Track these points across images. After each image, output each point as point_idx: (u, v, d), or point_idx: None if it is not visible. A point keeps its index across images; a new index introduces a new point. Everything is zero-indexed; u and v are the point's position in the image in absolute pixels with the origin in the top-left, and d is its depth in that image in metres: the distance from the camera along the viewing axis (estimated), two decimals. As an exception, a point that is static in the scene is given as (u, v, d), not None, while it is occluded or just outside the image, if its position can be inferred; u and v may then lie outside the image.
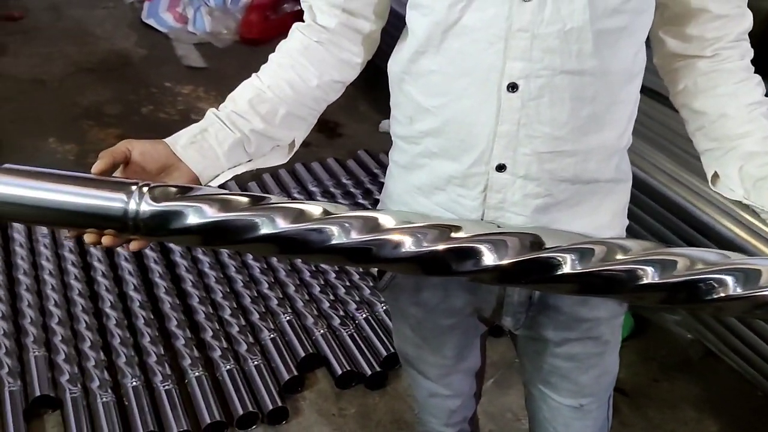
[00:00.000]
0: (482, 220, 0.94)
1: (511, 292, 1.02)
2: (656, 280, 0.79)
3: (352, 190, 2.80)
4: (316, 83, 0.99)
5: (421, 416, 1.36)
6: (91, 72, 3.74)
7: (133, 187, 0.83)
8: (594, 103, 0.87)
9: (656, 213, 2.00)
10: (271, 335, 2.10)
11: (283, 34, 1.04)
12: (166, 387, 1.93)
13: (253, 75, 1.00)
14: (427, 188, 0.98)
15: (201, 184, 0.92)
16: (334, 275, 2.36)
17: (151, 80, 3.67)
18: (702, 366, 2.08)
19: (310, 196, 2.74)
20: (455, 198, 0.95)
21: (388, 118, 1.04)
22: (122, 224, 0.83)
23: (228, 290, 2.29)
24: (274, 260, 2.41)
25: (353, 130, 3.20)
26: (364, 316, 2.18)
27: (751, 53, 0.93)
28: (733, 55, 0.92)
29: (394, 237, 0.82)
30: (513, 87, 0.85)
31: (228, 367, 1.99)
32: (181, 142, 0.93)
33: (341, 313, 2.20)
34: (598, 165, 0.93)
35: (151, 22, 4.35)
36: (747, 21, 0.92)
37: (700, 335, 2.08)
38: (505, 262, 0.81)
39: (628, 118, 0.94)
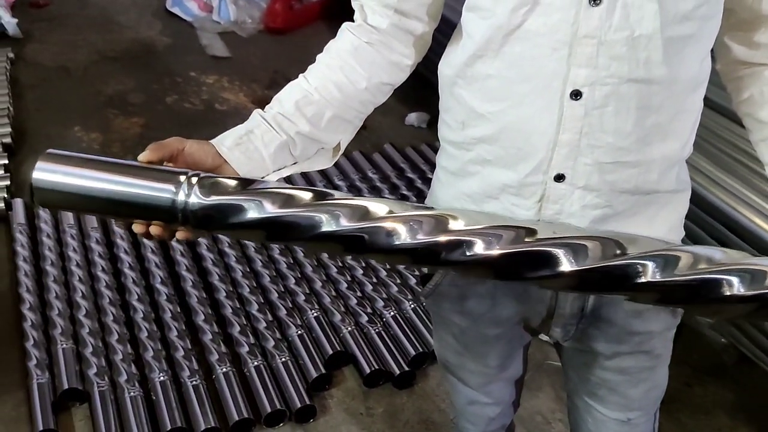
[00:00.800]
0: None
1: (564, 303, 0.99)
2: (742, 291, 0.75)
3: (378, 184, 2.77)
4: (364, 85, 0.96)
5: (458, 422, 1.33)
6: (115, 60, 3.73)
7: (182, 177, 0.82)
8: (659, 113, 0.84)
9: (714, 229, 1.96)
10: (299, 332, 2.08)
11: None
12: (194, 382, 1.92)
13: (300, 76, 0.98)
14: (478, 196, 0.95)
15: None
16: (361, 271, 2.34)
17: (175, 69, 3.66)
18: (736, 371, 2.04)
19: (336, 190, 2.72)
20: (509, 207, 0.92)
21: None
22: (171, 215, 0.82)
23: (255, 285, 2.27)
24: (300, 255, 2.39)
25: (379, 123, 3.17)
26: (392, 314, 2.16)
27: None
28: (802, 64, 0.88)
29: (467, 238, 0.80)
30: (577, 95, 0.82)
31: (255, 363, 1.98)
32: (226, 143, 0.91)
33: (369, 310, 2.17)
34: (659, 176, 0.89)
35: (175, 10, 4.33)
36: None
37: (734, 339, 2.04)
38: (581, 267, 0.78)
39: (691, 128, 0.90)
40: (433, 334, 1.21)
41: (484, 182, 0.93)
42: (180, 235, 0.85)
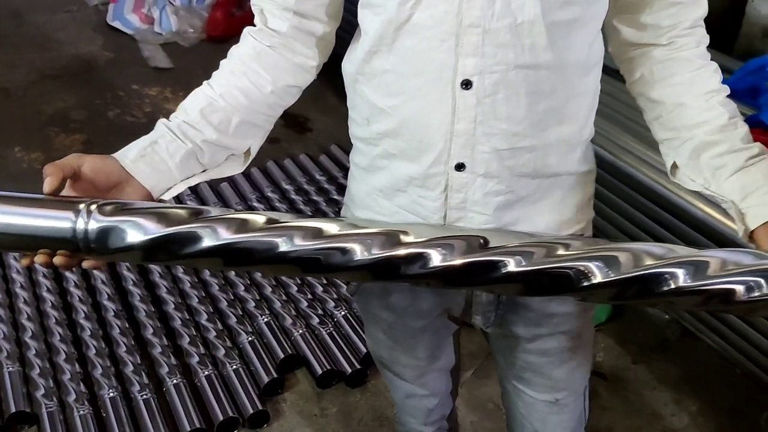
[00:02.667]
0: (444, 220, 0.93)
1: (480, 292, 1.00)
2: (606, 277, 0.76)
3: (326, 186, 2.77)
4: (270, 89, 0.96)
5: (399, 417, 1.35)
6: (55, 78, 3.67)
7: (81, 206, 0.80)
8: (551, 97, 0.86)
9: (626, 195, 2.00)
10: (249, 338, 2.08)
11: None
12: (144, 396, 1.91)
13: (205, 83, 0.98)
14: (388, 190, 0.96)
15: (153, 198, 0.90)
16: (310, 274, 2.33)
17: (117, 83, 3.61)
18: (680, 346, 2.08)
19: (283, 195, 2.72)
20: (416, 199, 0.93)
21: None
22: (73, 244, 0.80)
23: (204, 295, 2.26)
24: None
25: (323, 124, 3.17)
26: (342, 313, 2.17)
27: (707, 40, 0.92)
28: (689, 43, 0.90)
29: (343, 245, 0.79)
30: (467, 84, 0.83)
31: (206, 372, 1.97)
32: (130, 156, 0.90)
33: (320, 311, 2.18)
34: (559, 159, 0.91)
35: (116, 24, 4.27)
36: (701, 7, 0.90)
37: (677, 315, 2.09)
38: (450, 263, 0.77)
39: (588, 111, 0.93)
40: (365, 331, 1.22)
41: (392, 176, 0.94)
42: (86, 264, 0.84)
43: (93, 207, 0.80)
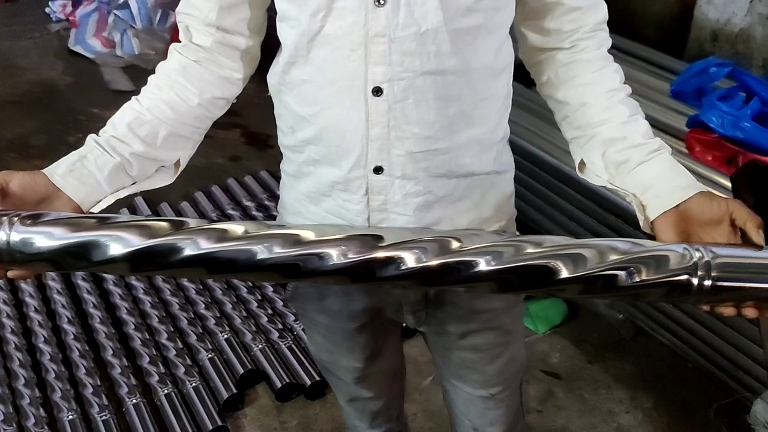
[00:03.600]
0: (368, 222, 0.96)
1: (408, 292, 1.04)
2: (567, 274, 0.79)
3: (287, 202, 2.79)
4: (197, 102, 0.99)
5: (347, 420, 1.37)
6: (15, 104, 3.66)
7: (4, 218, 0.83)
8: (460, 101, 0.90)
9: (555, 187, 2.06)
10: (209, 355, 2.09)
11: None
12: (104, 417, 1.91)
13: (133, 98, 1.00)
14: (314, 195, 0.99)
15: (83, 212, 0.92)
16: (271, 289, 2.36)
17: (78, 108, 3.62)
18: (634, 345, 2.13)
19: (244, 211, 2.74)
20: (341, 203, 0.97)
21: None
22: None
23: (164, 314, 2.26)
24: (209, 280, 2.40)
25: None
26: (302, 326, 2.18)
27: (608, 42, 0.97)
28: (590, 46, 0.95)
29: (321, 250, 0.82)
30: (377, 91, 0.87)
31: (166, 391, 1.97)
32: (59, 171, 0.92)
33: (279, 326, 2.20)
34: (473, 159, 0.95)
35: (78, 49, 4.29)
36: (601, 11, 0.95)
37: (630, 315, 2.14)
38: (424, 264, 0.80)
39: (499, 113, 0.97)
40: (306, 336, 1.24)
41: (317, 181, 0.98)
42: (11, 274, 0.86)
43: (15, 219, 0.82)
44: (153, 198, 2.83)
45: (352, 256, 0.81)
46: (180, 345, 2.14)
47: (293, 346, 2.12)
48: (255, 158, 3.13)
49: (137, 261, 0.83)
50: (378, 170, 0.92)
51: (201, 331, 2.19)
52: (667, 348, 2.00)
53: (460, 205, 0.97)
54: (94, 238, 0.82)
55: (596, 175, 0.95)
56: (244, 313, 2.25)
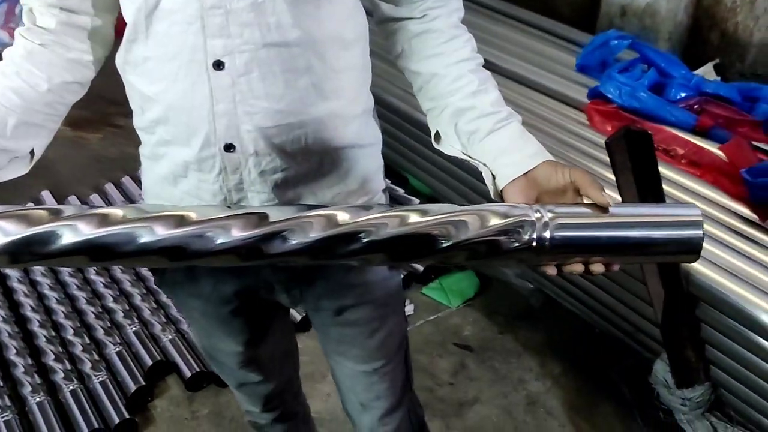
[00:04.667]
0: (226, 203, 0.94)
1: (278, 270, 1.02)
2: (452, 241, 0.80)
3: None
4: (46, 87, 0.95)
5: (240, 406, 1.35)
6: None
7: None
8: (310, 74, 0.88)
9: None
10: (117, 348, 2.03)
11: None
12: (5, 418, 1.85)
13: None
14: (170, 177, 0.96)
15: None
16: (183, 278, 2.31)
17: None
18: (543, 313, 2.17)
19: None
20: (197, 184, 0.94)
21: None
22: None
23: (70, 310, 2.20)
24: (118, 272, 2.34)
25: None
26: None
27: (460, 12, 0.96)
28: (441, 15, 0.94)
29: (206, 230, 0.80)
30: (219, 65, 0.85)
31: (71, 387, 1.92)
32: None
33: (190, 315, 2.15)
34: (333, 134, 0.94)
35: (-19, 40, 4.09)
36: None
37: (540, 284, 2.17)
38: (312, 239, 0.80)
39: (356, 85, 0.95)
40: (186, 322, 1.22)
41: (171, 162, 0.95)
42: None
43: None
44: (60, 191, 2.74)
45: (239, 235, 0.79)
46: (87, 340, 2.08)
47: (204, 334, 2.08)
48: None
49: (15, 251, 0.79)
50: (229, 148, 0.90)
51: (109, 324, 2.13)
52: (574, 315, 2.05)
53: (323, 180, 0.96)
54: None
55: (450, 145, 0.95)
56: (154, 305, 2.20)
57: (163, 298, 2.22)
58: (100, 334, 2.09)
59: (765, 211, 1.64)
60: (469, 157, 0.92)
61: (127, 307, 2.19)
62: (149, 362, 1.99)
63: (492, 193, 0.90)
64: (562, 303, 2.11)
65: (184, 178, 0.95)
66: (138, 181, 2.79)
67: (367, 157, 1.01)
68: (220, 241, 0.80)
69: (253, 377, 1.23)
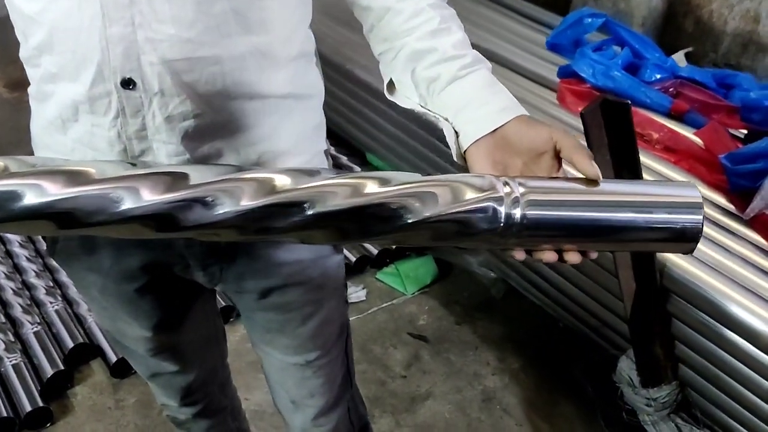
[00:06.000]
0: (126, 155, 0.77)
1: (193, 242, 0.85)
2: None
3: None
4: None
5: (156, 398, 1.18)
6: None
7: None
8: None
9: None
10: (35, 328, 1.84)
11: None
12: None
13: None
14: (59, 122, 0.79)
15: None
16: (116, 254, 2.11)
17: None
18: (504, 305, 2.03)
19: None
20: (90, 129, 0.77)
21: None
22: None
23: (-14, 285, 1.99)
24: (44, 246, 2.13)
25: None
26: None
27: None
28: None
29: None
30: None
31: (-20, 371, 1.72)
32: None
33: (120, 294, 1.96)
34: (258, 76, 0.77)
35: None
36: None
37: (502, 273, 2.04)
38: (244, 207, 0.64)
39: (290, 20, 0.79)
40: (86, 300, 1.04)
41: (58, 103, 0.77)
42: None
43: None
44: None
45: (150, 199, 0.63)
46: (2, 318, 1.88)
47: (135, 316, 1.89)
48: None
49: None
50: (128, 84, 0.72)
51: (29, 302, 1.93)
52: (537, 308, 1.91)
53: (246, 135, 0.79)
54: None
55: (406, 96, 0.79)
56: (82, 281, 2.00)
57: (92, 275, 2.02)
58: (17, 312, 1.89)
59: (744, 202, 1.52)
60: (428, 110, 0.77)
61: (51, 284, 1.99)
62: (70, 344, 1.79)
63: (454, 155, 0.75)
64: (524, 294, 1.98)
65: (75, 122, 0.77)
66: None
67: (303, 110, 0.84)
68: (125, 206, 0.63)
69: (168, 367, 1.06)
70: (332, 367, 1.02)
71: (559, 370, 1.85)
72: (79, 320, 1.88)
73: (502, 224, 0.65)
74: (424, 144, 1.96)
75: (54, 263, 2.05)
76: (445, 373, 1.83)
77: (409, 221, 0.64)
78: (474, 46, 0.79)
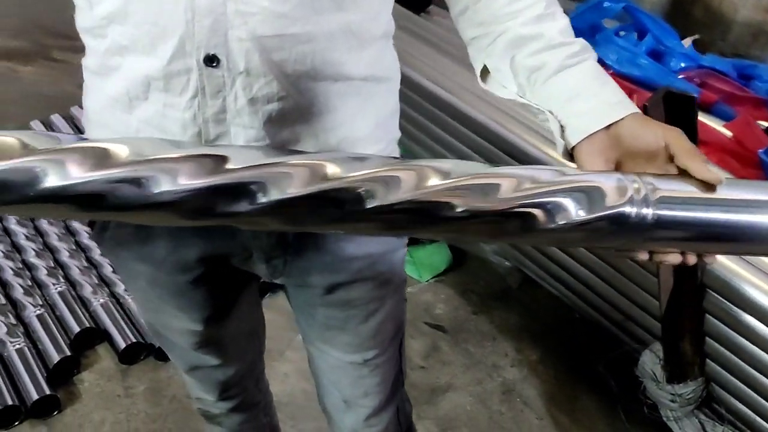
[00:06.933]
0: (200, 138, 0.70)
1: (259, 233, 0.79)
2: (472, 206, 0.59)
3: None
4: None
5: (190, 392, 1.12)
6: None
7: None
8: None
9: (429, 113, 1.86)
10: (38, 311, 1.75)
11: None
12: None
13: None
14: (125, 99, 0.71)
15: None
16: (119, 234, 2.03)
17: None
18: (521, 294, 2.00)
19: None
20: (161, 110, 0.70)
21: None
22: None
23: (-16, 264, 1.89)
24: (44, 224, 2.04)
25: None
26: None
27: None
28: None
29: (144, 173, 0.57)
30: None
31: (-19, 355, 1.64)
32: None
33: (126, 276, 1.88)
34: (346, 56, 0.71)
35: None
36: None
37: (518, 262, 2.00)
38: (291, 195, 0.57)
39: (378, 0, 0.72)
40: (128, 290, 0.97)
41: (127, 78, 0.70)
42: None
43: None
44: (-22, 127, 2.39)
45: (186, 183, 0.57)
46: (2, 300, 1.79)
47: (143, 299, 1.82)
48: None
49: None
50: (211, 61, 0.66)
51: (30, 283, 1.84)
52: (554, 298, 1.88)
53: (327, 118, 0.73)
54: None
55: (502, 85, 0.74)
56: (85, 263, 1.92)
57: (96, 255, 1.94)
58: (18, 293, 1.80)
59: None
60: (528, 101, 0.71)
61: (53, 264, 1.91)
62: (76, 329, 1.71)
63: (559, 151, 0.70)
64: (541, 284, 1.95)
65: (144, 101, 0.70)
66: (70, 120, 2.47)
67: (383, 94, 0.78)
68: (158, 190, 0.57)
69: (210, 360, 1.00)
70: (388, 366, 0.97)
71: (578, 362, 1.83)
72: (84, 303, 1.80)
73: (635, 225, 0.60)
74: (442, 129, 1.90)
75: (54, 243, 1.97)
76: (464, 364, 1.80)
77: (562, 223, 0.59)
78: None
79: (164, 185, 0.56)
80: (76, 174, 0.56)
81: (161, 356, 1.72)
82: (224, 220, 0.60)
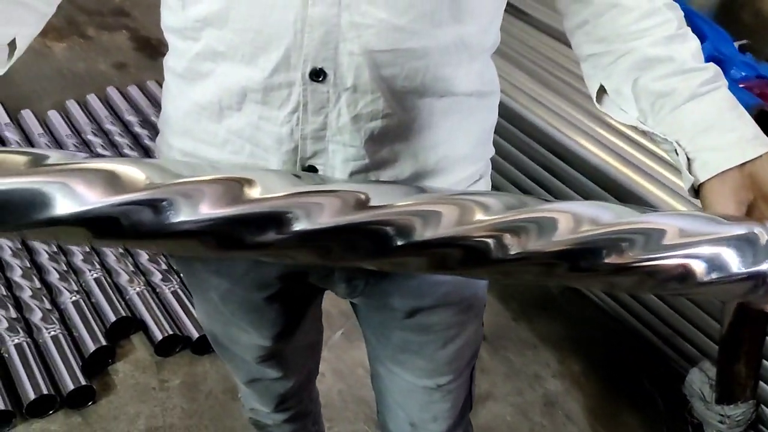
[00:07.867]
0: (296, 154, 0.65)
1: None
2: (531, 248, 0.53)
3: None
4: None
5: (244, 402, 1.08)
6: None
7: None
8: None
9: (517, 139, 1.80)
10: (74, 297, 1.72)
11: None
12: (-68, 373, 1.53)
13: None
14: (215, 108, 0.67)
15: None
16: (155, 221, 1.99)
17: None
18: (563, 302, 1.95)
19: (126, 127, 2.32)
20: (256, 122, 0.65)
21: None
22: None
23: (19, 246, 1.86)
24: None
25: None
26: (191, 268, 1.85)
27: None
28: None
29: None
30: None
31: (16, 341, 1.60)
32: None
33: (163, 266, 1.85)
34: (455, 71, 0.66)
35: None
36: None
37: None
38: (321, 226, 0.51)
39: (492, 9, 0.67)
40: (194, 300, 0.93)
41: (219, 86, 0.65)
42: None
43: None
44: (13, 104, 2.35)
45: (208, 212, 0.51)
46: (38, 284, 1.76)
47: (179, 290, 1.78)
48: (144, 67, 2.68)
49: None
50: (317, 75, 0.61)
51: (65, 268, 1.81)
52: (597, 308, 1.83)
53: (427, 136, 0.68)
54: None
55: (621, 109, 0.68)
56: (121, 250, 1.88)
57: (132, 242, 1.90)
58: (54, 278, 1.77)
59: None
60: (650, 129, 0.66)
61: (88, 250, 1.87)
62: (112, 318, 1.68)
63: (686, 186, 0.64)
64: (584, 293, 1.90)
65: (237, 111, 0.65)
66: (104, 101, 2.42)
67: (484, 109, 0.73)
68: (176, 219, 0.51)
69: (271, 373, 0.96)
70: (460, 390, 0.92)
71: (622, 376, 1.78)
72: (120, 291, 1.77)
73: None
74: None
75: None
76: (504, 373, 1.75)
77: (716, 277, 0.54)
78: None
79: (184, 213, 0.51)
80: (92, 198, 0.50)
81: (199, 350, 1.69)
82: (248, 253, 0.54)
